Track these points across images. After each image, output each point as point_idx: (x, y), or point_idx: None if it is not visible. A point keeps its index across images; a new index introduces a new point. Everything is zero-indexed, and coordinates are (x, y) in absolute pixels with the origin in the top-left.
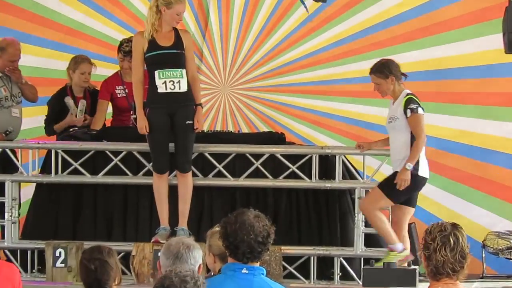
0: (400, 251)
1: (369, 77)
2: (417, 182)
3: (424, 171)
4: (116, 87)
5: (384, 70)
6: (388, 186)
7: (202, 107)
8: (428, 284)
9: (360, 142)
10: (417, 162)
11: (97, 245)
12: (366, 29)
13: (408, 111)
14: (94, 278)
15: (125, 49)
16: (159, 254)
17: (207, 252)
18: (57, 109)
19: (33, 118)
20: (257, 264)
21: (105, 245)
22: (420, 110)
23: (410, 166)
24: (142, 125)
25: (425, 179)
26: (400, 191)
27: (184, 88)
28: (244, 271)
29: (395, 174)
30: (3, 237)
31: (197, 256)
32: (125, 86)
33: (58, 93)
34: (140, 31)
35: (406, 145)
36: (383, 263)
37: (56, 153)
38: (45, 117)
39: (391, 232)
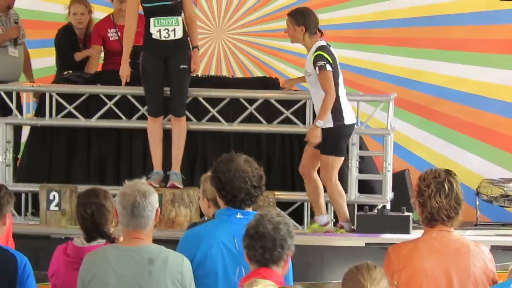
0: (322, 224)
1: (364, 23)
2: (344, 131)
3: (349, 118)
4: (108, 30)
5: (298, 17)
6: (328, 147)
7: (198, 49)
8: (421, 231)
9: (282, 83)
10: (341, 112)
11: (92, 189)
12: None
13: (317, 68)
14: (91, 222)
15: None
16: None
17: (201, 197)
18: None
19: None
20: (251, 209)
21: (100, 188)
22: (328, 67)
23: (320, 123)
24: (124, 74)
25: (352, 125)
26: (342, 143)
27: (179, 34)
28: (238, 216)
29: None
30: None
31: (154, 201)
32: (117, 29)
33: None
34: None
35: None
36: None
37: (51, 96)
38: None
39: (322, 204)
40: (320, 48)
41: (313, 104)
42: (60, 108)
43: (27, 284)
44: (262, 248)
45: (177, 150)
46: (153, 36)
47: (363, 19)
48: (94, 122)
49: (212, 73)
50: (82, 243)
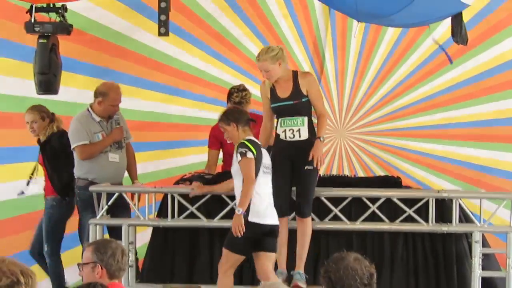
0: None
1: (484, 121)
2: (245, 227)
3: (255, 217)
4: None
5: (228, 117)
6: (227, 239)
7: (321, 141)
8: None
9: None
10: (247, 207)
11: None
12: (482, 73)
13: (238, 155)
14: None
15: (235, 99)
16: None
17: None
18: None
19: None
20: None
21: None
22: (249, 154)
23: (239, 210)
24: None
25: (258, 225)
26: (238, 240)
27: (304, 135)
28: None
29: None
30: None
31: None
32: None
33: None
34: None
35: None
36: None
37: (173, 197)
38: None
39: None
40: (247, 140)
41: (435, 202)
42: (182, 208)
43: None
44: None
45: (301, 249)
46: (280, 137)
47: (484, 117)
48: (216, 222)
49: (334, 172)
50: None
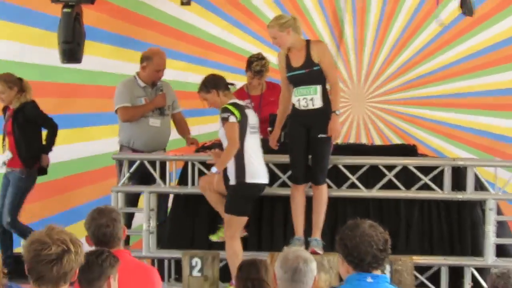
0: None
1: (501, 90)
2: (245, 189)
3: (252, 177)
4: (243, 101)
5: (207, 85)
6: (227, 205)
7: (337, 115)
8: None
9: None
10: (243, 170)
11: (253, 262)
12: (500, 42)
13: (222, 121)
14: None
15: (255, 68)
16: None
17: (341, 262)
18: None
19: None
20: (379, 272)
21: (260, 260)
22: (231, 119)
23: (214, 169)
24: (272, 143)
25: (255, 185)
26: (238, 202)
27: (318, 104)
28: (369, 280)
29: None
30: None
31: (314, 268)
32: (251, 100)
33: None
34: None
35: None
36: None
37: (193, 165)
38: None
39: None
40: (229, 104)
41: (450, 170)
42: (202, 175)
43: None
44: None
45: (318, 217)
46: (295, 106)
47: (500, 86)
48: None
49: (352, 140)
50: None
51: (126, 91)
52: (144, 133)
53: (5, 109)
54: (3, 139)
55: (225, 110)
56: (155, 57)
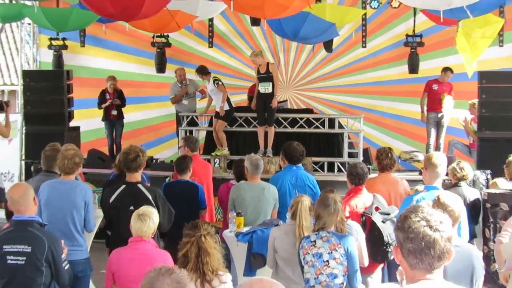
0: None
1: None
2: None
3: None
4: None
5: (203, 70)
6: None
7: (275, 96)
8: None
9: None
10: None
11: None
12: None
13: (215, 83)
14: None
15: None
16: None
17: (282, 162)
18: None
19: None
20: (299, 164)
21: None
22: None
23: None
24: (253, 105)
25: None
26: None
27: (269, 90)
28: (294, 168)
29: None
30: None
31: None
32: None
33: None
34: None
35: None
36: None
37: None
38: None
39: None
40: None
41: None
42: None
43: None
44: None
45: (270, 140)
46: (260, 91)
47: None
48: (233, 129)
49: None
50: None
51: (172, 89)
52: (182, 106)
53: None
54: None
55: (216, 78)
56: (178, 70)
